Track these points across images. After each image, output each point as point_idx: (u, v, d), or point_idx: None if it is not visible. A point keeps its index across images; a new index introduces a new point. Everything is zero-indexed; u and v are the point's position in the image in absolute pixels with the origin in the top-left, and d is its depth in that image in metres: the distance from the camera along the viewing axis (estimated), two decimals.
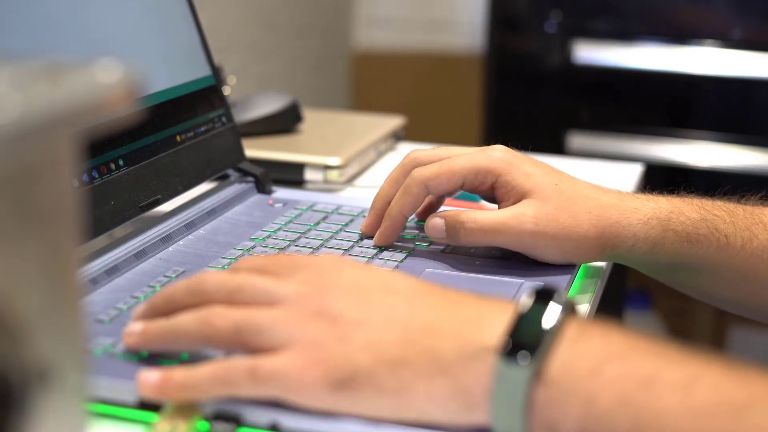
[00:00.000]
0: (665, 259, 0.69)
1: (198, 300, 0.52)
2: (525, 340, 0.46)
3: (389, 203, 0.72)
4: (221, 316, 0.50)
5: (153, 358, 0.54)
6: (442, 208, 0.77)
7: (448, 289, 0.52)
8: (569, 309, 0.48)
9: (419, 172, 0.70)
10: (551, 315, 0.47)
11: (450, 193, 0.74)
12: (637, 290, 1.70)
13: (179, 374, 0.50)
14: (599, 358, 0.46)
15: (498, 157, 0.70)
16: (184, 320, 0.52)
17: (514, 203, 0.69)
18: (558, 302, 0.48)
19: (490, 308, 0.50)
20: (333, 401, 0.48)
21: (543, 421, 0.46)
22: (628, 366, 0.45)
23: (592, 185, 0.71)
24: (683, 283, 0.74)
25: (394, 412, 0.48)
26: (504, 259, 0.72)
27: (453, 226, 0.69)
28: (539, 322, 0.47)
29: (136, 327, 0.54)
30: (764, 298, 0.72)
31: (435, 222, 0.71)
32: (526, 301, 0.48)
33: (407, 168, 0.72)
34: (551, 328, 0.47)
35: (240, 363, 0.49)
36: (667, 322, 1.79)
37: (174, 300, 0.53)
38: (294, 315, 0.50)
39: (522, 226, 0.67)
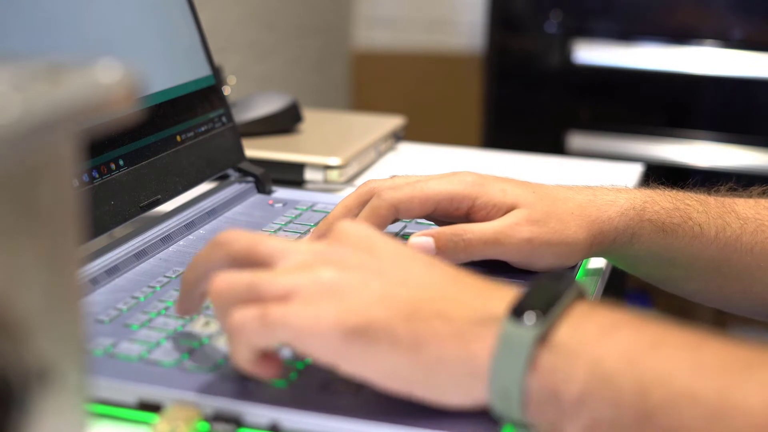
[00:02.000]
0: (643, 251, 0.70)
1: (219, 254, 0.53)
2: (534, 305, 0.47)
3: None
4: (225, 279, 0.50)
5: (153, 358, 0.54)
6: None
7: (460, 268, 0.52)
8: (579, 291, 0.49)
9: (390, 194, 0.67)
10: (562, 290, 0.48)
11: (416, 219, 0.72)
12: (637, 290, 1.70)
13: None
14: (606, 325, 0.47)
15: (471, 181, 0.68)
16: (200, 253, 0.53)
17: None
18: (569, 283, 0.49)
19: (501, 286, 0.51)
20: (345, 350, 0.48)
21: (545, 386, 0.46)
22: (635, 332, 0.46)
23: (564, 187, 0.71)
24: (659, 277, 0.74)
25: (405, 371, 0.48)
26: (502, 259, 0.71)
27: (450, 240, 0.66)
28: (550, 294, 0.48)
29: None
30: (735, 289, 0.72)
31: (421, 241, 0.66)
32: (539, 278, 0.49)
33: (364, 197, 0.68)
34: (561, 299, 0.48)
35: (249, 311, 0.49)
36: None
37: (206, 262, 0.54)
38: (306, 265, 0.50)
39: (520, 234, 0.66)
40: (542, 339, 0.46)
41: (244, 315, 0.49)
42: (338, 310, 0.48)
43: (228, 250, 0.52)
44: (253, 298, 0.49)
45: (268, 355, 0.50)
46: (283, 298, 0.49)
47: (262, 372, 0.50)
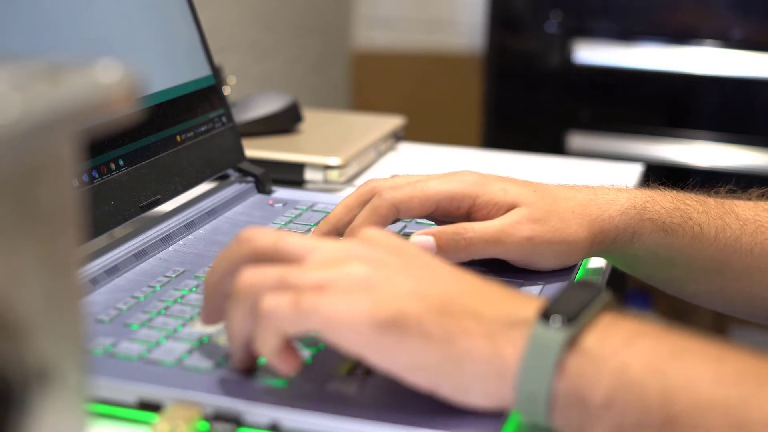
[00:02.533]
0: (643, 251, 0.70)
1: (246, 250, 0.53)
2: (564, 310, 0.47)
3: (337, 228, 0.69)
4: (255, 273, 0.51)
5: (153, 358, 0.54)
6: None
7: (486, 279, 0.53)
8: (607, 301, 0.50)
9: (391, 194, 0.66)
10: (590, 298, 0.49)
11: (417, 219, 0.72)
12: (637, 290, 1.70)
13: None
14: (632, 334, 0.47)
15: (471, 180, 0.68)
16: (223, 252, 0.54)
17: None
18: (597, 292, 0.50)
19: (530, 295, 0.52)
20: (377, 341, 0.48)
21: (571, 390, 0.46)
22: (660, 341, 0.47)
23: (564, 186, 0.71)
24: (659, 278, 0.75)
25: (433, 365, 0.48)
26: (503, 260, 0.71)
27: (451, 239, 0.66)
28: (579, 301, 0.48)
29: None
30: (735, 291, 0.72)
31: (423, 240, 0.65)
32: (567, 286, 0.50)
33: (364, 196, 0.68)
34: (590, 305, 0.48)
35: (282, 297, 0.49)
36: (667, 322, 1.78)
37: (233, 260, 0.54)
38: (337, 257, 0.50)
39: (521, 233, 0.66)
40: (571, 344, 0.47)
41: (277, 300, 0.49)
42: (371, 302, 0.48)
43: (253, 246, 0.52)
44: (285, 287, 0.49)
45: (289, 348, 0.50)
46: (316, 288, 0.49)
47: (283, 364, 0.50)
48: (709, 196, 0.72)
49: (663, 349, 0.46)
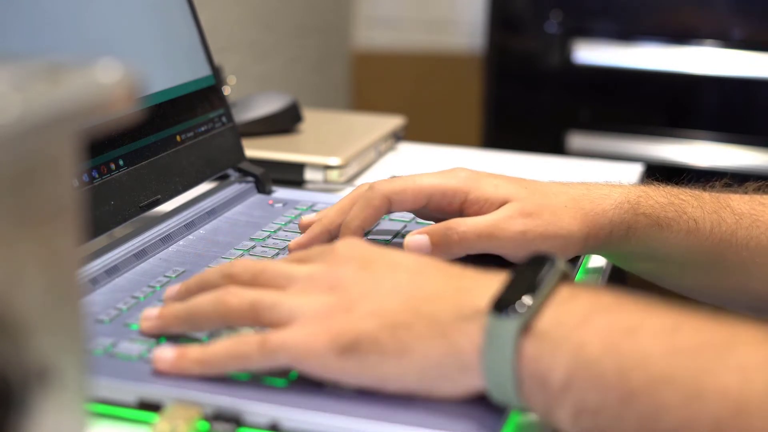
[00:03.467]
0: (639, 246, 0.70)
1: (226, 283, 0.55)
2: (515, 297, 0.48)
3: (329, 231, 0.69)
4: (235, 295, 0.53)
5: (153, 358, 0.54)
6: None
7: (451, 265, 0.54)
8: (561, 271, 0.50)
9: (383, 186, 0.68)
10: (544, 276, 0.49)
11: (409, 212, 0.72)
12: (637, 290, 1.70)
13: (194, 350, 0.52)
14: (587, 311, 0.47)
15: (464, 176, 0.69)
16: (200, 300, 0.55)
17: None
18: (551, 266, 0.50)
19: (487, 277, 0.52)
20: (341, 367, 0.50)
21: (533, 374, 0.47)
22: (615, 317, 0.47)
23: (557, 183, 0.71)
24: (656, 273, 0.75)
25: (397, 376, 0.50)
26: (502, 260, 0.71)
27: (444, 234, 0.66)
28: (532, 282, 0.49)
29: (152, 311, 0.56)
30: (731, 284, 0.72)
31: (417, 239, 0.66)
32: (521, 265, 0.50)
33: (360, 197, 0.69)
34: (542, 286, 0.48)
35: (252, 336, 0.52)
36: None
37: (208, 282, 0.56)
38: (304, 292, 0.53)
39: (514, 227, 0.67)
40: (526, 328, 0.47)
41: (246, 341, 0.52)
42: (330, 332, 0.50)
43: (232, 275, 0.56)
44: (255, 319, 0.53)
45: None
46: (282, 324, 0.52)
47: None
48: (705, 190, 0.72)
49: (618, 325, 0.46)
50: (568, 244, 0.68)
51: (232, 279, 0.55)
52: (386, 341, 0.50)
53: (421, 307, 0.50)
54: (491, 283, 0.50)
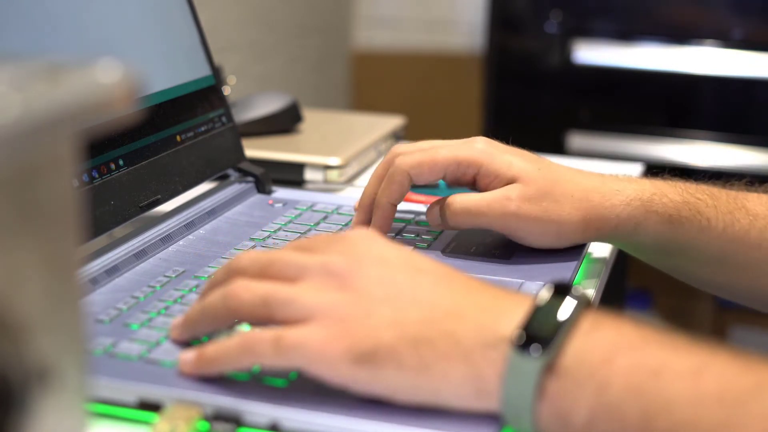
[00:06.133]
0: (647, 239, 0.70)
1: (234, 277, 0.54)
2: (539, 333, 0.47)
3: (371, 205, 0.73)
4: (246, 289, 0.52)
5: (153, 358, 0.54)
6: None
7: (471, 277, 0.53)
8: (584, 303, 0.49)
9: (402, 160, 0.71)
10: (566, 308, 0.48)
11: (432, 183, 0.75)
12: (637, 290, 1.70)
13: (210, 349, 0.52)
14: (611, 348, 0.47)
15: (480, 148, 0.71)
16: (212, 298, 0.54)
17: None
18: (574, 296, 0.49)
19: (509, 299, 0.51)
20: (353, 374, 0.49)
21: (555, 411, 0.46)
22: (639, 356, 0.46)
23: (573, 170, 0.72)
24: (666, 265, 0.75)
25: (410, 390, 0.49)
26: (504, 258, 0.72)
27: (441, 209, 0.71)
28: (555, 315, 0.48)
29: (178, 319, 0.56)
30: (742, 281, 0.73)
31: (431, 209, 0.72)
32: (543, 294, 0.49)
33: (390, 163, 0.72)
34: (565, 322, 0.48)
35: (265, 334, 0.50)
36: (667, 321, 1.78)
37: (216, 280, 0.55)
38: (320, 288, 0.51)
39: (505, 208, 0.68)
40: (549, 366, 0.47)
41: (261, 337, 0.50)
42: (347, 338, 0.49)
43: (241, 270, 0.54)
44: (267, 314, 0.51)
45: None
46: (297, 321, 0.50)
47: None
48: (724, 188, 0.72)
49: (642, 366, 0.46)
50: (564, 231, 0.69)
51: (240, 273, 0.54)
52: (406, 355, 0.48)
53: (443, 322, 0.49)
54: (512, 305, 0.50)
